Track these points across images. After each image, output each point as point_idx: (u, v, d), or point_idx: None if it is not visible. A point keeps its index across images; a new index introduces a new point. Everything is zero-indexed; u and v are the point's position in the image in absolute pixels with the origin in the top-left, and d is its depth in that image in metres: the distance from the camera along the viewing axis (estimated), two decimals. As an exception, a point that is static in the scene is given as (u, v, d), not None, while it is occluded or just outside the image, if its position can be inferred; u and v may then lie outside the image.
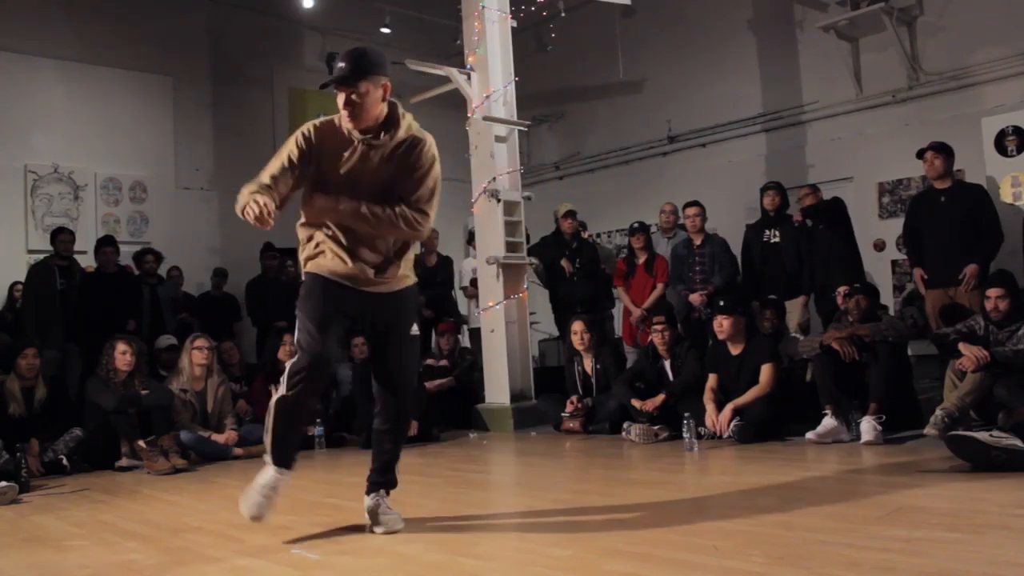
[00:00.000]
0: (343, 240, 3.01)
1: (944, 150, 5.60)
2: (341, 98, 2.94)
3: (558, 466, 4.96)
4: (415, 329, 3.24)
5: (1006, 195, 7.07)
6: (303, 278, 3.07)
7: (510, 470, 5.21)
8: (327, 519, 3.48)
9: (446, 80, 7.11)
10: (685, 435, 4.85)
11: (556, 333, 8.20)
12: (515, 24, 7.27)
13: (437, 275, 8.39)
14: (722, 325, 5.30)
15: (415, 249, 3.25)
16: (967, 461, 3.59)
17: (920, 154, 5.69)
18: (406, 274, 3.16)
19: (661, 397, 5.48)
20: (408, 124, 3.13)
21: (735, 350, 5.33)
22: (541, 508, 3.55)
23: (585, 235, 8.11)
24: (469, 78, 7.00)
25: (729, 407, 5.09)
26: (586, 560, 2.57)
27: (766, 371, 5.14)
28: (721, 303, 5.40)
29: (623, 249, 7.96)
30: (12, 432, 5.21)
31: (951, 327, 4.91)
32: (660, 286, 6.94)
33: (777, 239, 6.61)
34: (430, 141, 3.19)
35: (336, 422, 6.53)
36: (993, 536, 2.56)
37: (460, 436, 6.44)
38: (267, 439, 3.10)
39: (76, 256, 7.44)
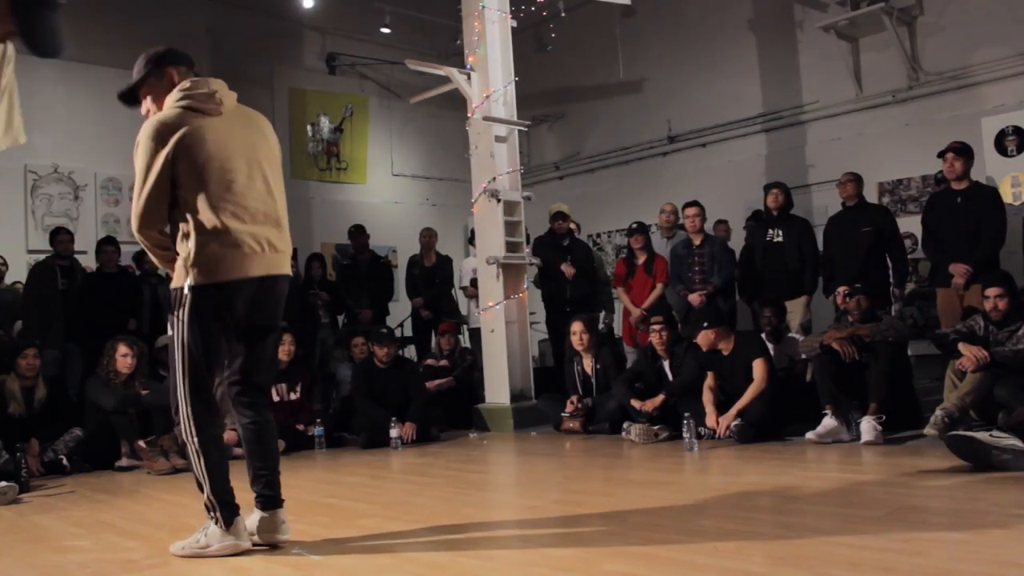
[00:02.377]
0: None
1: (964, 152, 5.67)
2: None
3: (558, 466, 4.96)
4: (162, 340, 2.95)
5: (1006, 195, 7.08)
6: None
7: (510, 470, 5.21)
8: (327, 519, 3.48)
9: (446, 80, 7.11)
10: (685, 435, 4.85)
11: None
12: (515, 24, 7.27)
13: (436, 275, 8.39)
14: (708, 337, 5.33)
15: (183, 250, 2.84)
16: (967, 461, 3.59)
17: (941, 154, 5.74)
18: (177, 274, 2.88)
19: (661, 397, 5.48)
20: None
21: (725, 350, 5.34)
22: (541, 508, 3.55)
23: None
24: (469, 78, 7.00)
25: (733, 411, 5.07)
26: (586, 560, 2.57)
27: (758, 367, 5.14)
28: (704, 324, 5.40)
29: (622, 249, 7.96)
30: (12, 432, 5.22)
31: (951, 327, 4.92)
32: (659, 286, 6.95)
33: (780, 239, 6.61)
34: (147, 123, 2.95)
35: (336, 422, 6.53)
36: (993, 536, 2.55)
37: (460, 436, 6.44)
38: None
39: (76, 256, 7.44)
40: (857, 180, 6.33)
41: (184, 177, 2.81)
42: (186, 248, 2.82)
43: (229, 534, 2.89)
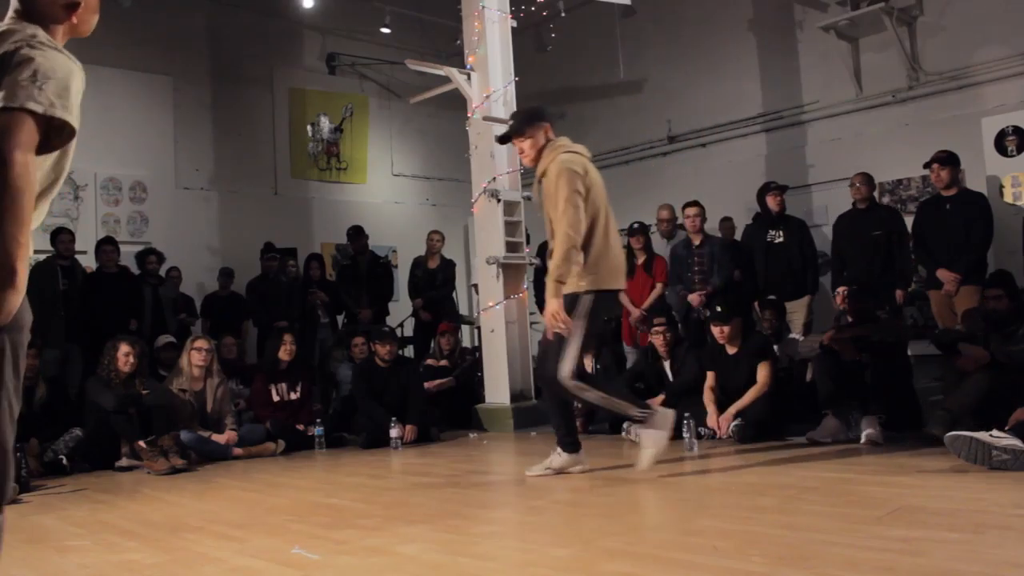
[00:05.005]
0: None
1: (950, 161, 5.78)
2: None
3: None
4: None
5: (1007, 195, 7.08)
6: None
7: (510, 470, 5.21)
8: (327, 519, 3.48)
9: (446, 80, 7.12)
10: (685, 435, 4.85)
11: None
12: (515, 24, 7.28)
13: (437, 277, 8.38)
14: (723, 332, 5.31)
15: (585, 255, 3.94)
16: (967, 461, 3.59)
17: (927, 165, 5.85)
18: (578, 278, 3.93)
19: (660, 398, 5.48)
20: (548, 156, 4.05)
21: (731, 349, 5.33)
22: (541, 508, 3.55)
23: None
24: (469, 78, 7.01)
25: (731, 410, 5.08)
26: (586, 560, 2.57)
27: (763, 369, 5.15)
28: (718, 308, 5.39)
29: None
30: (12, 432, 5.21)
31: (951, 327, 4.92)
32: (659, 286, 6.94)
33: (781, 239, 6.62)
34: (559, 159, 3.97)
35: (336, 422, 6.53)
36: (993, 536, 2.55)
37: (460, 436, 6.43)
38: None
39: (77, 256, 7.44)
40: (869, 181, 6.39)
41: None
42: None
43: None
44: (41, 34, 1.74)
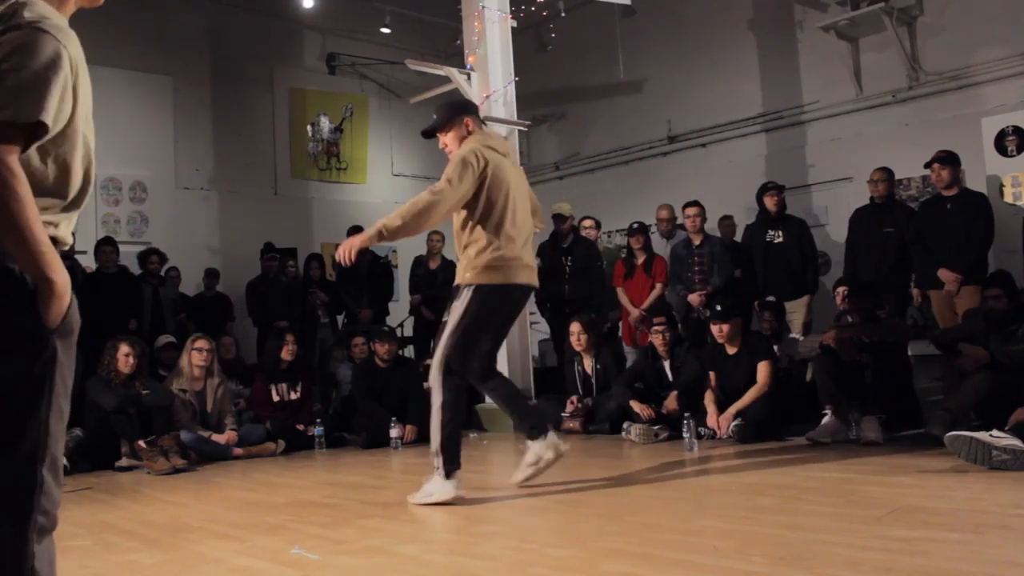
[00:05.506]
0: None
1: (950, 160, 5.77)
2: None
3: (558, 466, 4.93)
4: (446, 315, 3.88)
5: (1007, 195, 7.09)
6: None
7: (510, 470, 5.20)
8: (327, 519, 3.48)
9: (446, 80, 7.12)
10: (685, 435, 4.85)
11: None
12: (515, 24, 7.28)
13: (438, 277, 8.38)
14: (722, 330, 5.31)
15: (473, 247, 3.77)
16: (967, 461, 3.59)
17: (928, 164, 5.85)
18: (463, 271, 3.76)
19: (674, 394, 5.48)
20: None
21: (731, 349, 5.34)
22: (541, 508, 3.55)
23: (595, 235, 8.07)
24: (469, 78, 7.01)
25: (731, 410, 5.09)
26: (586, 560, 2.57)
27: (763, 369, 5.15)
28: (718, 307, 5.39)
29: (623, 249, 7.96)
30: (12, 432, 5.21)
31: (951, 327, 4.92)
32: (659, 286, 6.94)
33: (781, 239, 6.62)
34: (459, 150, 3.82)
35: (336, 422, 6.54)
36: (993, 536, 2.55)
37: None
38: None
39: (76, 256, 7.44)
40: (889, 177, 6.39)
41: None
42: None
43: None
44: (33, 8, 1.57)
